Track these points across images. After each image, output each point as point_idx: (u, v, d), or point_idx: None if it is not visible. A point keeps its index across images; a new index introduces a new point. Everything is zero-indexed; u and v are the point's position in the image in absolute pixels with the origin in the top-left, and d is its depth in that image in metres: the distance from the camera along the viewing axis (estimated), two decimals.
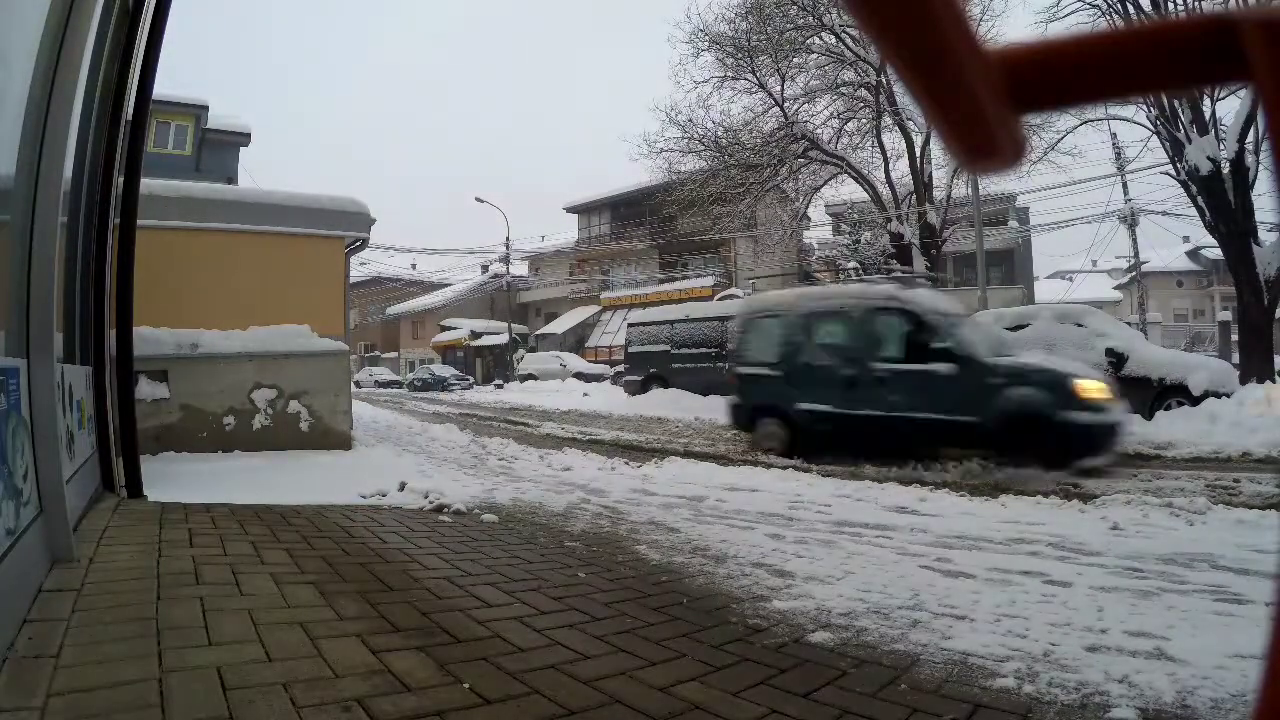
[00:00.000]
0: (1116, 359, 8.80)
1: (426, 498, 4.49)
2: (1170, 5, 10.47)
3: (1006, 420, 5.96)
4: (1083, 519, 4.04)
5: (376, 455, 6.84)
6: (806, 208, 19.42)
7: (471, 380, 32.87)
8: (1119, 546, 3.44)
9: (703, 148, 16.61)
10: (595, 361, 30.04)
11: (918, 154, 15.76)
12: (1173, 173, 11.43)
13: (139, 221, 4.57)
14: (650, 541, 3.59)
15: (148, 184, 5.26)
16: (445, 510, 4.26)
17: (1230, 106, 10.53)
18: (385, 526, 3.70)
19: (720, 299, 21.32)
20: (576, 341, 34.38)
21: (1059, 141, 14.21)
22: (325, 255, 8.25)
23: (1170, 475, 5.67)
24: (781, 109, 16.11)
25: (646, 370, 15.76)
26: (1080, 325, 9.35)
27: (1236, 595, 2.65)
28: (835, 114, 16.57)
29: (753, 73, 16.06)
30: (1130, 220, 23.89)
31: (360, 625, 2.20)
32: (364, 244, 9.37)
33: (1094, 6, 11.20)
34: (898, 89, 13.67)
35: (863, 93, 15.92)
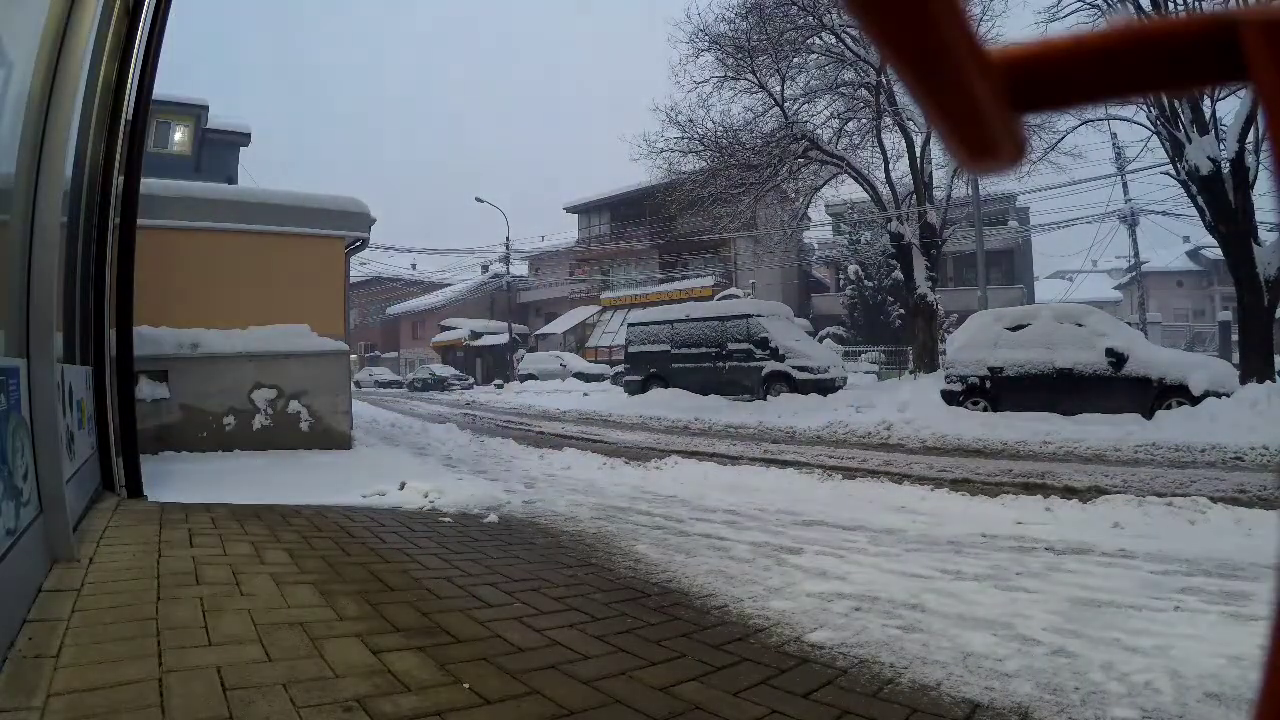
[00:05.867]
0: (1116, 359, 8.81)
1: (426, 497, 4.49)
2: (1170, 5, 10.46)
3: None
4: (1084, 517, 4.04)
5: (376, 455, 6.84)
6: (806, 208, 19.39)
7: (471, 380, 32.88)
8: (1120, 545, 3.44)
9: (703, 148, 16.58)
10: (595, 361, 30.05)
11: (918, 154, 15.75)
12: (1173, 173, 11.41)
13: (139, 221, 4.57)
14: (650, 541, 3.59)
15: (148, 184, 5.26)
16: (445, 510, 4.26)
17: (1230, 106, 10.53)
18: (385, 526, 3.70)
19: (720, 299, 21.34)
20: (576, 341, 34.39)
21: (1059, 141, 14.17)
22: (325, 255, 8.23)
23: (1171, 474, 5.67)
24: (781, 109, 16.08)
25: (646, 370, 15.76)
26: (1080, 325, 9.36)
27: (1237, 594, 2.65)
28: (835, 114, 16.54)
29: (753, 73, 16.03)
30: (1130, 220, 23.91)
31: (360, 625, 2.20)
32: (364, 244, 9.34)
33: (1094, 6, 11.19)
34: (898, 89, 13.67)
35: (863, 93, 15.90)
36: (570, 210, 37.56)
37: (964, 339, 10.39)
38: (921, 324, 15.82)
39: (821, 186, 17.83)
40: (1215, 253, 15.93)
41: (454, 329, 39.04)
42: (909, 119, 15.26)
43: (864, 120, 16.23)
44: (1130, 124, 12.96)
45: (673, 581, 2.89)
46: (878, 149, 16.28)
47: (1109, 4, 11.07)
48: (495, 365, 35.07)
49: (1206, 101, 10.38)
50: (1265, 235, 10.82)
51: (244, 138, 20.47)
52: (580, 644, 2.14)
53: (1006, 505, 4.40)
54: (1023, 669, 2.00)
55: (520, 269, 39.22)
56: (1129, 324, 12.89)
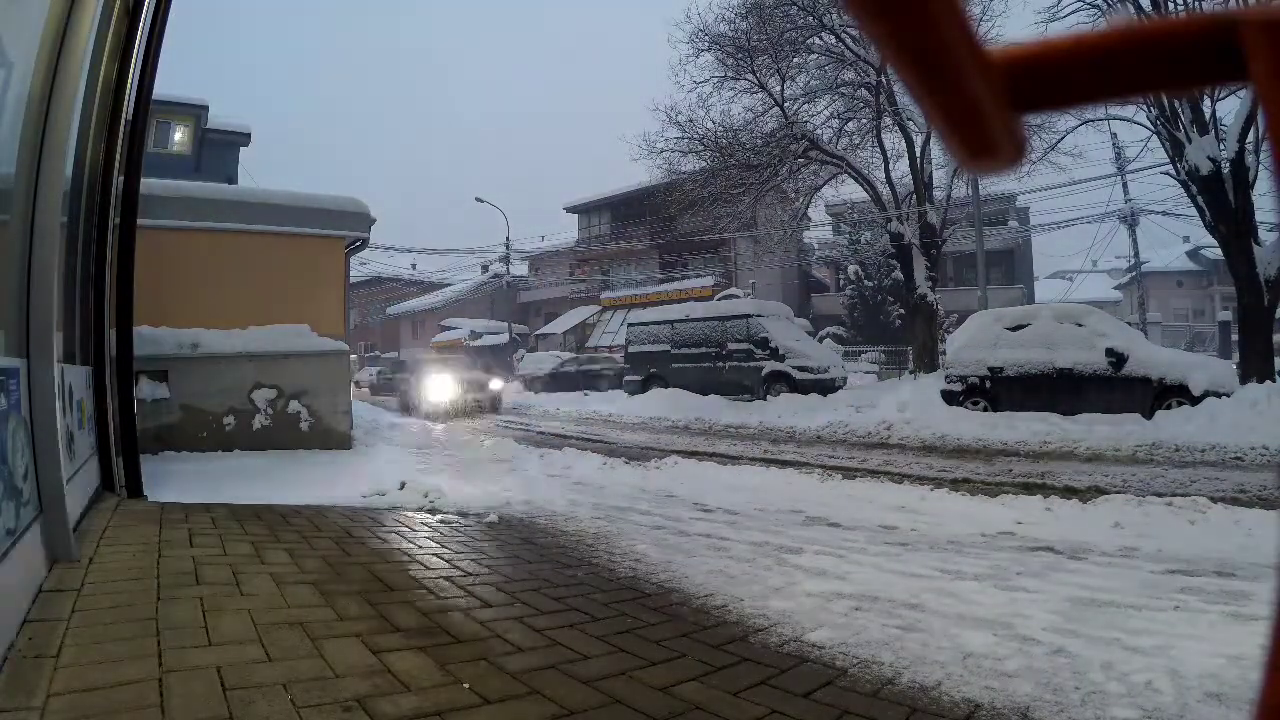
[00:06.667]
0: (1116, 359, 8.80)
1: (426, 497, 4.49)
2: (1170, 5, 10.46)
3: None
4: (1084, 517, 4.04)
5: (376, 455, 6.84)
6: (806, 208, 19.37)
7: None
8: (1119, 545, 3.44)
9: (703, 148, 16.57)
10: None
11: (918, 154, 15.74)
12: (1173, 173, 11.40)
13: (139, 221, 4.57)
14: (650, 541, 3.59)
15: (148, 184, 5.26)
16: (445, 510, 4.26)
17: (1230, 106, 10.53)
18: (385, 526, 3.70)
19: (720, 299, 21.33)
20: (576, 341, 34.38)
21: (1059, 141, 14.14)
22: (325, 255, 8.22)
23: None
24: (781, 109, 16.07)
25: (646, 370, 15.76)
26: (1080, 325, 9.36)
27: (1237, 594, 2.65)
28: (835, 114, 16.53)
29: (753, 73, 16.02)
30: (1130, 220, 23.91)
31: (360, 625, 2.20)
32: (364, 244, 9.33)
33: (1094, 6, 11.19)
34: (898, 89, 13.67)
35: (863, 93, 15.89)
36: (570, 210, 37.55)
37: (964, 339, 10.38)
38: (921, 324, 15.82)
39: (821, 186, 17.81)
40: (1215, 253, 15.93)
41: (454, 329, 39.03)
42: (909, 119, 15.25)
43: (864, 120, 16.22)
44: (1130, 124, 12.96)
45: (673, 581, 2.89)
46: (878, 149, 16.28)
47: (1109, 4, 11.07)
48: (495, 365, 35.06)
49: (1206, 101, 10.38)
50: (1265, 235, 10.81)
51: (244, 138, 20.45)
52: (580, 644, 2.14)
53: (1006, 505, 4.40)
54: (1023, 669, 2.00)
55: (520, 269, 39.21)
56: (1129, 324, 12.88)
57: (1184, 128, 10.49)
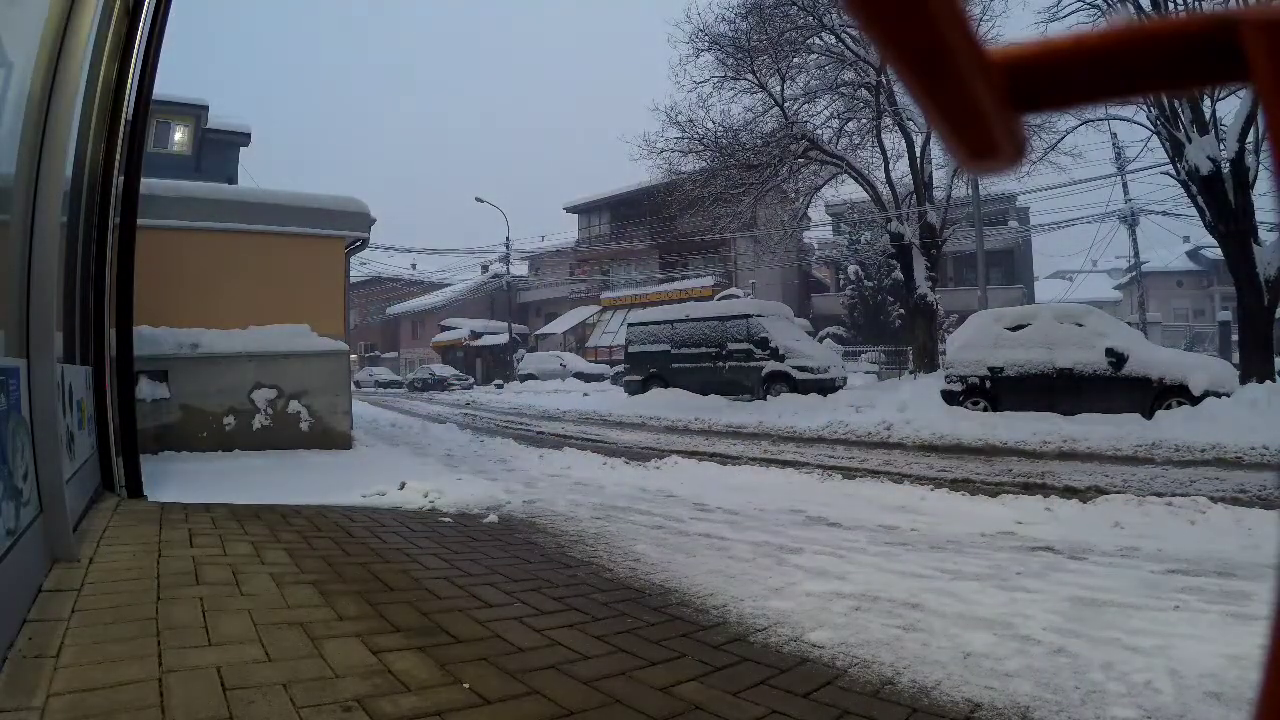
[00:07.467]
0: (1116, 359, 8.80)
1: (426, 497, 4.49)
2: (1170, 5, 10.47)
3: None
4: (1084, 517, 4.04)
5: (376, 455, 6.84)
6: (806, 208, 19.38)
7: (471, 380, 32.90)
8: (1119, 545, 3.44)
9: (703, 148, 16.58)
10: (595, 361, 30.07)
11: (918, 154, 15.75)
12: (1173, 173, 11.42)
13: (139, 221, 4.57)
14: (650, 540, 3.59)
15: (148, 184, 5.26)
16: (445, 510, 4.26)
17: (1230, 106, 10.54)
18: (385, 526, 3.70)
19: (720, 299, 21.33)
20: (576, 341, 34.40)
21: (1059, 142, 14.16)
22: (325, 255, 8.21)
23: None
24: (781, 109, 16.08)
25: (646, 370, 15.76)
26: (1080, 325, 9.36)
27: (1237, 594, 2.65)
28: (835, 114, 16.54)
29: (753, 73, 16.04)
30: (1130, 220, 23.92)
31: (360, 625, 2.20)
32: (364, 244, 9.32)
33: (1094, 6, 11.19)
34: (898, 89, 13.66)
35: (863, 93, 15.90)
36: (570, 210, 37.57)
37: (964, 339, 10.38)
38: (921, 324, 15.83)
39: (821, 186, 17.84)
40: (1215, 253, 15.92)
41: (454, 329, 39.05)
42: (909, 119, 15.26)
43: (864, 120, 16.23)
44: (1130, 124, 12.98)
45: (672, 581, 2.89)
46: (878, 149, 16.29)
47: (1109, 4, 11.08)
48: (495, 365, 35.08)
49: (1206, 101, 10.38)
50: (1265, 235, 10.82)
51: (244, 138, 20.46)
52: (580, 644, 2.14)
53: (1006, 505, 4.40)
54: (1023, 668, 2.00)
55: (520, 269, 39.22)
56: (1129, 324, 12.87)
57: (1184, 128, 10.49)
